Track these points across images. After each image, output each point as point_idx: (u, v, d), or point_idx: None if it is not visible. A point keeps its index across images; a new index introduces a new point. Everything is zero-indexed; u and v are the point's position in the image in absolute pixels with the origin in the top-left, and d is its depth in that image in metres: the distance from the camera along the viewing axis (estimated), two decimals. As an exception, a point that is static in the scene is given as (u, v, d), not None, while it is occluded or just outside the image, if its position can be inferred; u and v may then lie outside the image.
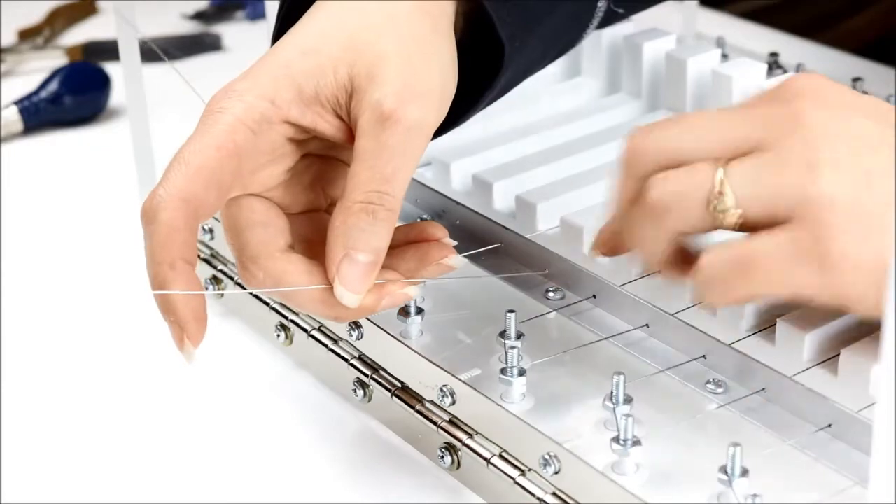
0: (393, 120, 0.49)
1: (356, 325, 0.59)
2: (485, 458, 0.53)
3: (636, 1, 0.66)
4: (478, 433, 0.54)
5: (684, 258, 0.50)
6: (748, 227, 0.48)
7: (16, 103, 0.91)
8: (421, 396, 0.56)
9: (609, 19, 0.64)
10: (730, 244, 0.48)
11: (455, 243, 0.54)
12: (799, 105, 0.48)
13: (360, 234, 0.49)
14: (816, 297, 0.48)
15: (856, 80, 0.80)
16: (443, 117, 0.52)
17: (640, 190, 0.50)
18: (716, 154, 0.48)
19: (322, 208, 0.54)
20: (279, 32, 0.55)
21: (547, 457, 0.50)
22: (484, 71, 0.56)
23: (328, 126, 0.51)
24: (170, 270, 0.48)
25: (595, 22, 0.62)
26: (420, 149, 0.50)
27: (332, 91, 0.50)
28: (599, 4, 0.60)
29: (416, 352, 0.56)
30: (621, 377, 0.51)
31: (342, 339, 0.60)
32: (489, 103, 0.58)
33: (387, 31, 0.51)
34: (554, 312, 0.59)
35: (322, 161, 0.53)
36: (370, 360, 0.59)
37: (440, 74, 0.52)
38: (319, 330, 0.61)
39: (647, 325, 0.57)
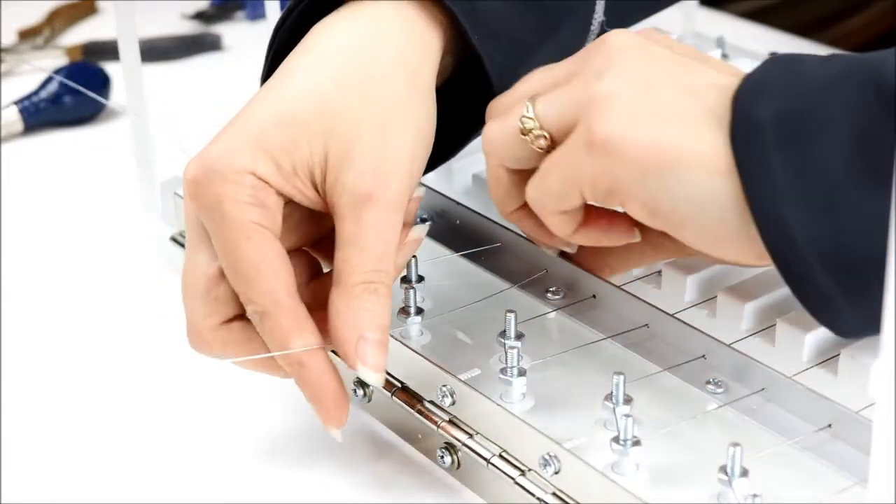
0: (373, 201, 0.50)
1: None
2: (485, 458, 0.53)
3: (629, 20, 0.66)
4: (478, 433, 0.54)
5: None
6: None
7: (16, 103, 0.91)
8: (421, 396, 0.56)
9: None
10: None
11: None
12: (607, 34, 0.52)
13: (367, 315, 0.50)
14: (597, 188, 0.50)
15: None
16: (418, 180, 0.52)
17: None
18: (539, 94, 0.52)
19: (304, 245, 0.54)
20: (269, 71, 0.55)
21: (547, 457, 0.50)
22: (476, 104, 0.57)
23: (305, 198, 0.51)
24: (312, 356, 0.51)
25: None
26: (401, 221, 0.51)
27: (307, 165, 0.51)
28: (592, 28, 0.61)
29: (416, 352, 0.56)
30: (621, 377, 0.51)
31: (342, 339, 0.60)
32: (476, 136, 0.58)
33: (365, 96, 0.51)
34: (554, 312, 0.59)
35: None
36: (370, 360, 0.59)
37: (417, 140, 0.52)
38: (319, 330, 0.61)
39: (647, 325, 0.57)
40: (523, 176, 0.53)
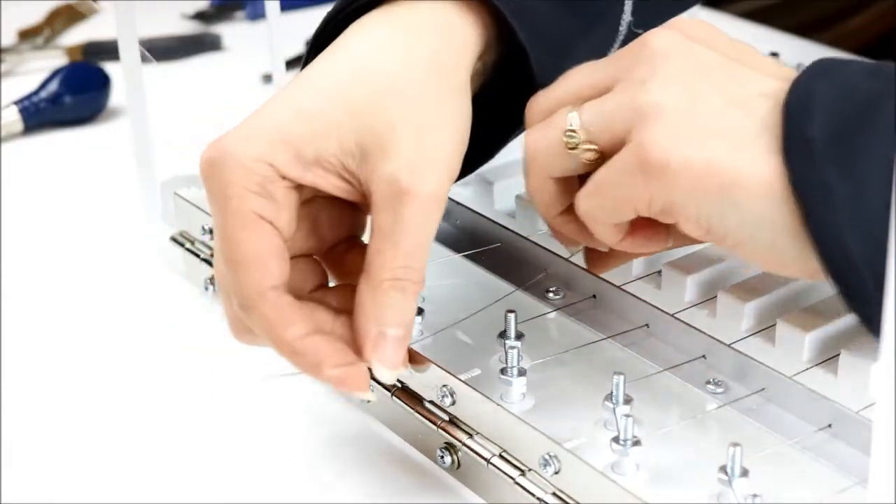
0: (411, 196, 0.49)
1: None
2: (485, 458, 0.53)
3: (655, 19, 0.66)
4: (478, 433, 0.54)
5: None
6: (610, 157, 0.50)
7: (16, 103, 0.91)
8: (421, 396, 0.56)
9: (626, 41, 0.64)
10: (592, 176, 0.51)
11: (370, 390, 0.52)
12: (648, 35, 0.51)
13: (391, 311, 0.49)
14: (651, 206, 0.49)
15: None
16: (455, 177, 0.51)
17: None
18: (578, 99, 0.51)
19: (316, 251, 0.54)
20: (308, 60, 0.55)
21: (547, 457, 0.50)
22: (509, 107, 0.56)
23: (331, 186, 0.51)
24: (304, 339, 0.50)
25: (616, 46, 0.63)
26: (438, 217, 0.50)
27: (335, 157, 0.50)
28: (621, 29, 0.61)
29: (416, 352, 0.56)
30: (621, 377, 0.51)
31: (342, 339, 0.60)
32: (517, 136, 0.58)
33: (397, 98, 0.50)
34: (554, 312, 0.59)
35: (320, 202, 0.53)
36: (370, 360, 0.59)
37: (452, 138, 0.51)
38: (319, 330, 0.61)
39: (647, 325, 0.57)
40: (568, 181, 0.53)
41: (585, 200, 0.51)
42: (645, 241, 0.53)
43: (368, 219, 0.53)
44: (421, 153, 0.49)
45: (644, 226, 0.52)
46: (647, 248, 0.53)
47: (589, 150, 0.50)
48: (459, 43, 0.53)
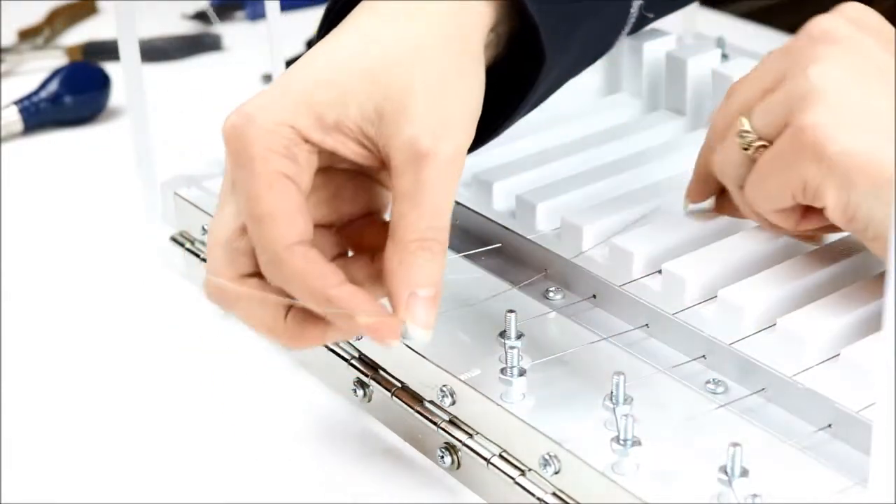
0: (430, 157, 0.49)
1: (356, 325, 0.59)
2: (485, 458, 0.53)
3: (664, 4, 0.66)
4: (478, 433, 0.54)
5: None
6: None
7: (16, 103, 0.91)
8: (421, 396, 0.56)
9: (639, 25, 0.65)
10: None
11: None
12: (816, 20, 0.53)
13: (421, 271, 0.50)
14: (806, 190, 0.51)
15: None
16: (471, 141, 0.52)
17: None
18: (754, 104, 0.54)
19: (334, 222, 0.54)
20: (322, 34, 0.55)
21: (547, 457, 0.50)
22: (519, 81, 0.57)
23: (350, 152, 0.51)
24: (337, 289, 0.49)
25: (627, 28, 0.63)
26: (458, 178, 0.51)
27: (355, 123, 0.50)
28: (632, 11, 0.61)
29: (416, 352, 0.56)
30: (621, 377, 0.51)
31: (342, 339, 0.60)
32: (525, 114, 0.59)
33: (413, 63, 0.51)
34: (554, 312, 0.59)
35: (340, 175, 0.53)
36: (370, 360, 0.59)
37: (468, 103, 0.52)
38: (319, 330, 0.61)
39: (647, 325, 0.57)
40: None
41: (749, 189, 0.54)
42: (819, 221, 0.54)
43: (389, 195, 0.54)
44: (438, 116, 0.50)
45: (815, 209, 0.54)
46: (830, 230, 0.56)
47: (762, 146, 0.53)
48: (473, 14, 0.53)
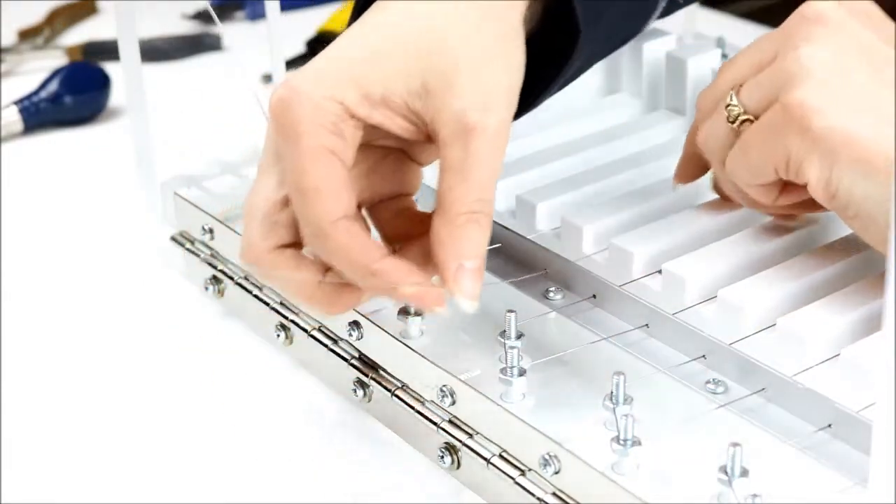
0: (478, 131, 0.50)
1: (356, 325, 0.59)
2: (485, 458, 0.53)
3: None
4: (478, 433, 0.54)
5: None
6: None
7: (16, 103, 0.91)
8: (421, 396, 0.56)
9: (669, 9, 0.66)
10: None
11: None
12: (807, 5, 0.54)
13: (469, 244, 0.51)
14: (789, 166, 0.52)
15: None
16: (513, 114, 0.53)
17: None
18: (744, 81, 0.55)
19: (363, 201, 0.54)
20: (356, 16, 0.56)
21: (547, 457, 0.50)
22: (553, 57, 0.58)
23: (396, 126, 0.52)
24: (381, 262, 0.51)
25: (658, 11, 0.64)
26: (503, 151, 0.52)
27: (401, 97, 0.51)
28: None
29: (416, 352, 0.56)
30: (621, 377, 0.51)
31: (342, 339, 0.60)
32: (557, 91, 0.60)
33: (457, 38, 0.51)
34: (554, 312, 0.59)
35: (375, 152, 0.54)
36: (370, 360, 0.59)
37: (511, 77, 0.53)
38: (319, 330, 0.61)
39: (647, 325, 0.57)
40: None
41: (731, 160, 0.55)
42: (801, 198, 0.55)
43: (419, 177, 0.56)
44: (485, 90, 0.51)
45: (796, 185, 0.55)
46: (810, 207, 0.56)
47: (747, 119, 0.54)
48: None
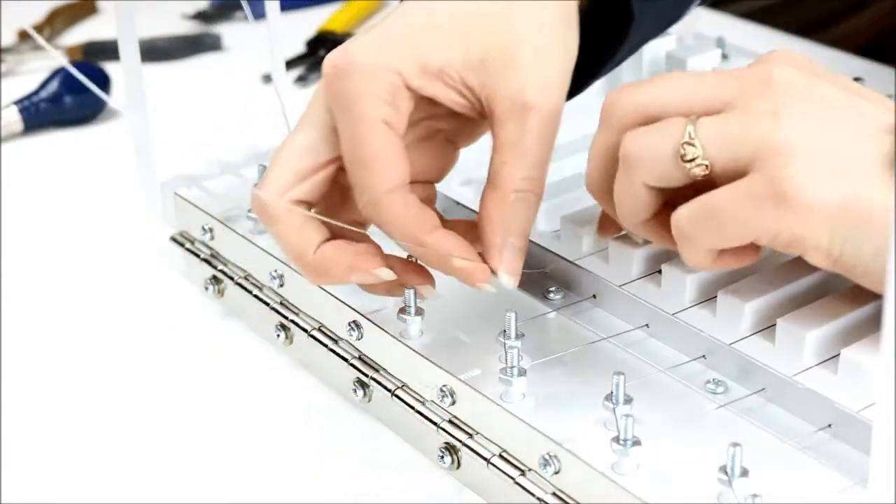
0: (535, 110, 0.51)
1: (356, 325, 0.59)
2: (485, 458, 0.53)
3: None
4: (478, 433, 0.54)
5: (665, 222, 0.52)
6: (717, 180, 0.50)
7: (16, 103, 0.91)
8: (421, 396, 0.56)
9: None
10: (699, 198, 0.50)
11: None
12: (769, 66, 0.51)
13: (516, 222, 0.52)
14: (776, 239, 0.49)
15: (856, 79, 0.80)
16: (566, 94, 0.54)
17: (616, 143, 0.52)
18: (688, 110, 0.50)
19: None
20: None
21: (547, 457, 0.50)
22: (605, 42, 0.58)
23: (450, 100, 0.52)
24: (433, 233, 0.52)
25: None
26: (557, 131, 0.52)
27: (458, 71, 0.52)
28: None
29: (416, 352, 0.56)
30: (621, 377, 0.51)
31: (342, 339, 0.60)
32: (605, 74, 0.60)
33: (516, 15, 0.52)
34: (554, 312, 0.59)
35: (416, 133, 0.54)
36: (370, 360, 0.59)
37: (567, 56, 0.53)
38: (319, 330, 0.61)
39: (647, 325, 0.57)
40: (659, 191, 0.52)
41: (692, 223, 0.50)
42: (735, 260, 0.52)
43: (452, 163, 0.57)
44: (544, 69, 0.52)
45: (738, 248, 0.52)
46: (738, 264, 0.53)
47: (701, 165, 0.50)
48: None
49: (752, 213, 0.49)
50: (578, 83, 0.58)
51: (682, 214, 0.51)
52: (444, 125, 0.55)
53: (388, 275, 0.54)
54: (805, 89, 0.50)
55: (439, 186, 0.67)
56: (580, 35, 0.55)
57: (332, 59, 0.52)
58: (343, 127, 0.52)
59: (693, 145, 0.49)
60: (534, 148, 0.51)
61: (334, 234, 0.54)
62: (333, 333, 0.61)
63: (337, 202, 0.55)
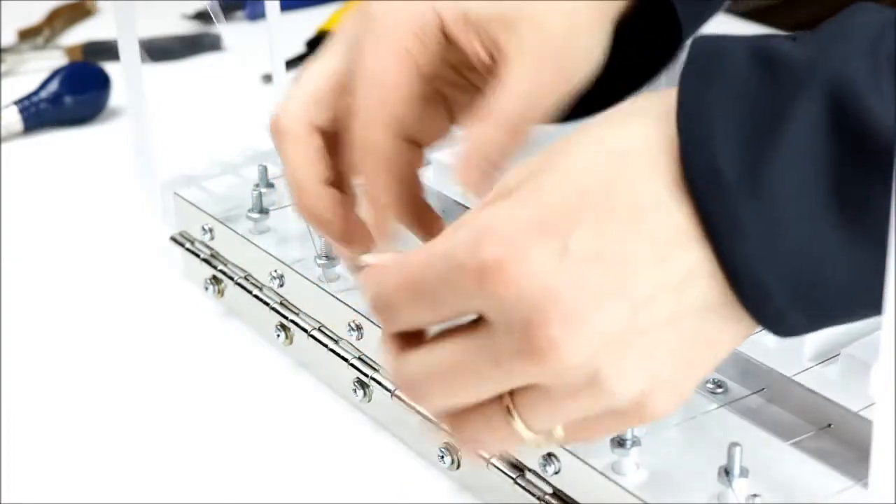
0: (548, 62, 0.51)
1: (356, 326, 0.59)
2: (485, 458, 0.53)
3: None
4: (478, 433, 0.54)
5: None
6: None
7: (16, 103, 0.91)
8: (421, 396, 0.56)
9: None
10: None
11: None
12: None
13: (495, 148, 0.50)
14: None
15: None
16: (568, 89, 0.53)
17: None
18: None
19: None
20: None
21: (547, 457, 0.50)
22: (652, 54, 0.58)
23: (472, 50, 0.52)
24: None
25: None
26: (555, 97, 0.52)
27: (486, 17, 0.51)
28: None
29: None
30: (621, 377, 0.51)
31: (342, 339, 0.60)
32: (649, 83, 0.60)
33: (552, 8, 0.52)
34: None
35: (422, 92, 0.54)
36: (370, 360, 0.59)
37: (592, 49, 0.53)
38: (320, 330, 0.61)
39: (647, 325, 0.57)
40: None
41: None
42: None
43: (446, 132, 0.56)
44: (567, 38, 0.51)
45: None
46: None
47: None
48: None
49: (609, 426, 0.44)
50: (633, 87, 0.58)
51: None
52: (449, 92, 0.55)
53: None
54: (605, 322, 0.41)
55: (439, 187, 0.67)
56: (630, 40, 0.55)
57: None
58: (362, 42, 0.51)
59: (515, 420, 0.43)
60: (532, 92, 0.51)
61: (337, 175, 0.54)
62: (333, 333, 0.61)
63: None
